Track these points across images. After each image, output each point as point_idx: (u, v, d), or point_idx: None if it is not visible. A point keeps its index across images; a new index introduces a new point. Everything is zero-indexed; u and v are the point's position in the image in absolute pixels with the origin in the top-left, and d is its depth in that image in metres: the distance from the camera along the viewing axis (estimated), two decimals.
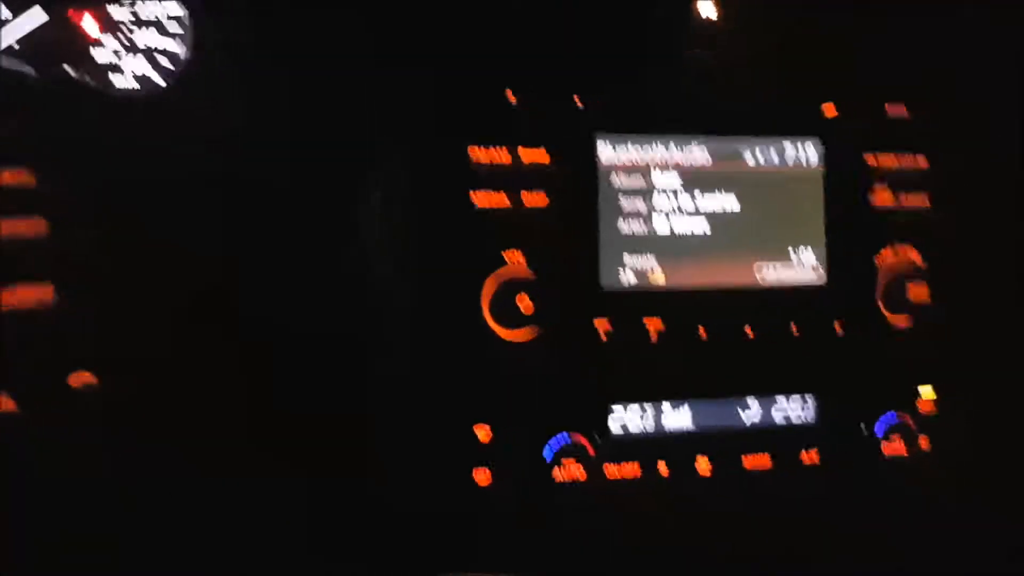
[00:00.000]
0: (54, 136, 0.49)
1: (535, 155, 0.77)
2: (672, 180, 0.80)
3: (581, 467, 0.78)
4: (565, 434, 0.78)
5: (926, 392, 0.86)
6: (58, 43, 0.74)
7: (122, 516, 0.55)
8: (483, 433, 0.77)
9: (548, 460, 0.77)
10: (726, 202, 0.81)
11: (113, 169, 0.53)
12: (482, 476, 0.77)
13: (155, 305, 0.57)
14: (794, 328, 0.81)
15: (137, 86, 0.75)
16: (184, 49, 0.74)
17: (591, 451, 0.78)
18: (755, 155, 0.81)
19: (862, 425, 0.85)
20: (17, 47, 0.75)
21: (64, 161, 0.48)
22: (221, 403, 0.62)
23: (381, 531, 0.77)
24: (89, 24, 0.74)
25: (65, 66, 0.68)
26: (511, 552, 0.78)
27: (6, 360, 0.45)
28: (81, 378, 0.49)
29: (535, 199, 0.77)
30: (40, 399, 0.46)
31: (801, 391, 0.83)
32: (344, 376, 0.74)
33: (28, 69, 0.53)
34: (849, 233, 0.83)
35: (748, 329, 0.80)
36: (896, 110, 0.85)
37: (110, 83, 0.70)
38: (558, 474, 0.77)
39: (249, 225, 0.67)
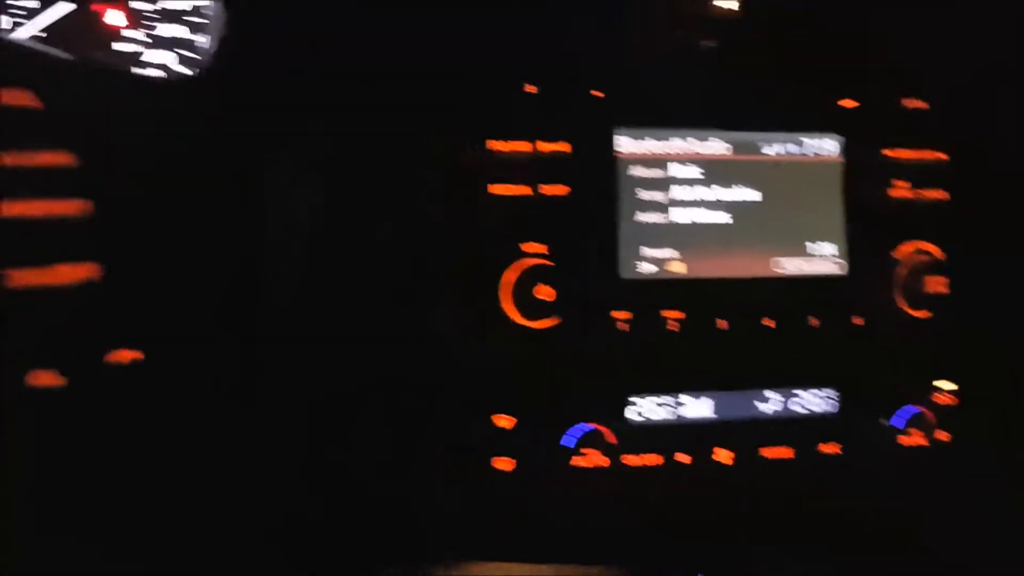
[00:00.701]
0: (95, 117, 0.50)
1: (555, 147, 0.78)
2: (691, 172, 0.80)
3: (601, 454, 0.78)
4: (586, 423, 0.78)
5: (945, 385, 0.86)
6: (85, 30, 0.77)
7: (163, 494, 0.56)
8: (504, 421, 0.78)
9: (570, 447, 0.78)
10: (745, 193, 0.81)
11: (155, 150, 0.55)
12: (503, 464, 0.77)
13: (197, 284, 0.59)
14: (813, 320, 0.81)
15: (168, 73, 0.78)
16: (211, 39, 0.76)
17: (613, 439, 0.78)
18: (774, 147, 0.82)
19: (881, 417, 0.85)
20: (51, 33, 0.78)
21: (106, 142, 0.50)
22: (256, 386, 0.63)
23: (402, 518, 0.78)
24: (115, 16, 0.77)
25: (97, 52, 0.70)
26: (531, 539, 0.79)
27: (50, 337, 0.46)
28: (124, 355, 0.50)
29: (555, 190, 0.78)
30: (83, 376, 0.47)
31: (820, 383, 0.83)
32: (367, 363, 0.75)
33: (64, 53, 0.54)
34: (868, 226, 0.83)
35: (767, 320, 0.80)
36: (915, 103, 0.85)
37: (142, 66, 0.72)
38: (579, 462, 0.78)
39: (285, 207, 0.69)
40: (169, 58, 0.80)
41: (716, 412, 0.81)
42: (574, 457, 0.78)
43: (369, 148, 0.76)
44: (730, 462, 0.81)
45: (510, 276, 0.76)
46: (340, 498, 0.75)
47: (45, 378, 0.45)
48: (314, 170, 0.74)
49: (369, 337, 0.75)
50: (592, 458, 0.78)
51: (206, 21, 0.79)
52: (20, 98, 0.45)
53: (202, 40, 0.78)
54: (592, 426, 0.78)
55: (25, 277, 0.44)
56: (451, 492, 0.78)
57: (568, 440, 0.78)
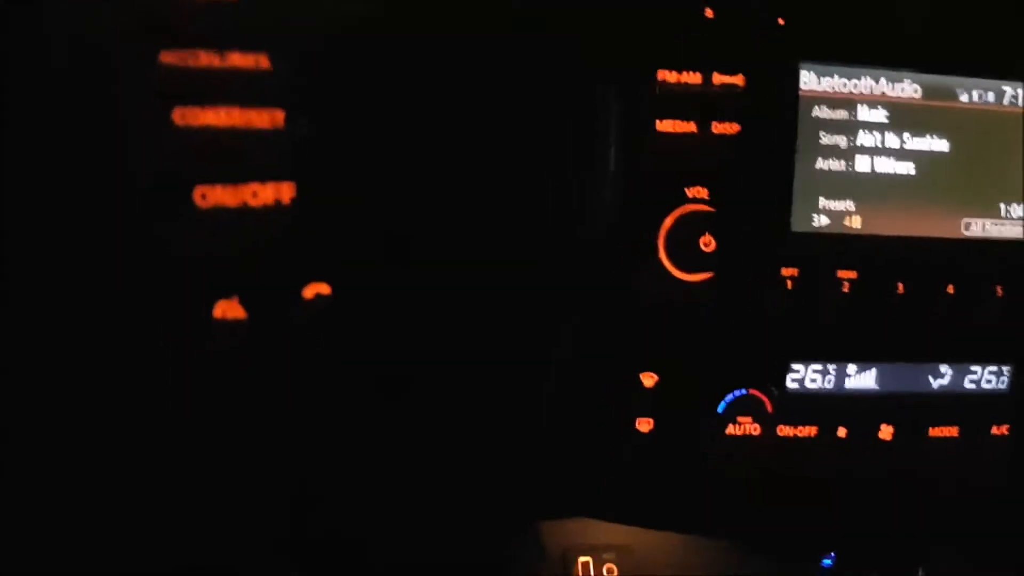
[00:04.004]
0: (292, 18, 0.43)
1: (730, 80, 0.70)
2: (878, 116, 0.72)
3: (754, 422, 0.72)
4: (742, 389, 0.72)
5: None
6: None
7: (342, 432, 0.51)
8: (649, 380, 0.72)
9: (720, 413, 0.72)
10: (933, 143, 0.72)
11: (354, 57, 0.47)
12: (645, 425, 0.72)
13: (400, 212, 0.52)
14: (999, 290, 0.73)
15: None
16: None
17: (769, 407, 0.72)
18: (970, 94, 0.73)
19: None
20: None
21: (306, 45, 0.43)
22: (428, 328, 0.58)
23: (539, 475, 0.73)
24: None
25: None
26: (670, 503, 0.74)
27: (238, 264, 0.41)
28: (315, 289, 0.44)
29: (726, 129, 0.70)
30: (271, 308, 0.42)
31: (999, 359, 0.76)
32: (514, 314, 0.69)
33: None
34: None
35: (950, 287, 0.72)
36: None
37: None
38: (732, 429, 0.72)
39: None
40: None
41: (880, 384, 0.74)
42: (729, 425, 0.71)
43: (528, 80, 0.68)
44: (890, 438, 0.74)
45: (668, 222, 0.69)
46: (476, 451, 0.70)
47: (228, 309, 0.40)
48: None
49: (516, 283, 0.68)
50: (745, 426, 0.72)
51: None
52: None
53: None
54: (748, 392, 0.71)
55: (216, 195, 0.38)
56: (588, 450, 0.73)
57: (721, 405, 0.71)
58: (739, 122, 0.70)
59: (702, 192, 0.70)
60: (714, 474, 0.74)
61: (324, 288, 0.44)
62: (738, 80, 0.70)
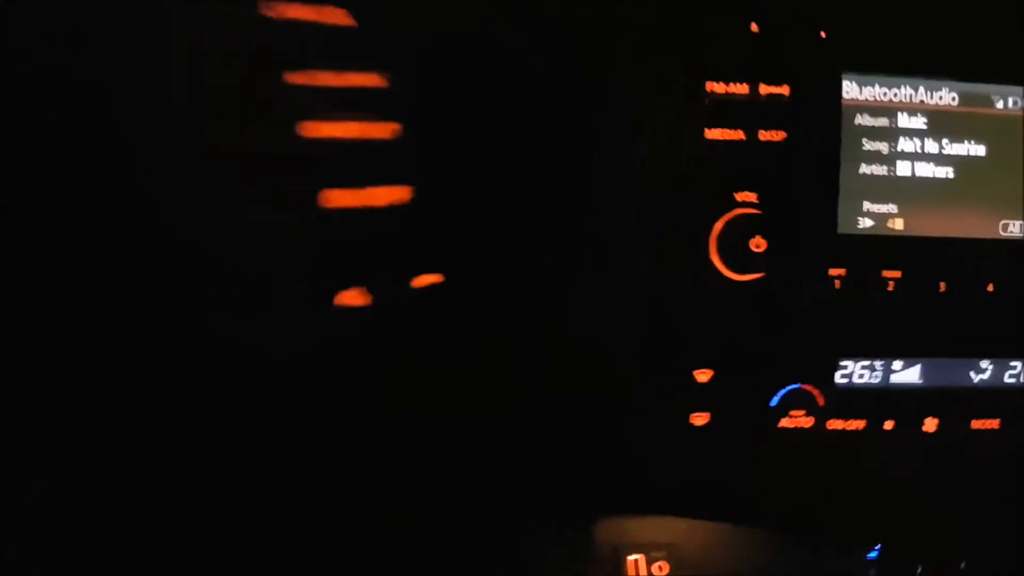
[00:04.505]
0: (408, 38, 0.47)
1: (776, 90, 0.74)
2: (918, 123, 0.75)
3: (807, 415, 0.75)
4: (795, 383, 0.75)
5: None
6: None
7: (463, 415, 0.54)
8: (703, 375, 0.75)
9: (773, 406, 0.75)
10: (970, 148, 0.76)
11: (465, 70, 0.52)
12: (700, 419, 0.75)
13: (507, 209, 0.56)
14: None
15: None
16: None
17: (820, 401, 0.75)
18: (1005, 100, 0.76)
19: None
20: None
21: (419, 63, 0.47)
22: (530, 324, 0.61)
23: (595, 467, 0.76)
24: None
25: None
26: (722, 495, 0.76)
27: (361, 256, 0.45)
28: (427, 279, 0.48)
29: (772, 136, 0.74)
30: (390, 295, 0.46)
31: None
32: (576, 309, 0.73)
33: None
34: None
35: (990, 286, 0.76)
36: None
37: None
38: (785, 422, 0.75)
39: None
40: None
41: (924, 379, 0.77)
42: (782, 418, 0.75)
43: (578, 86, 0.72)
44: (934, 430, 0.77)
45: (719, 225, 0.73)
46: (542, 448, 0.73)
47: (352, 297, 0.44)
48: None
49: (575, 281, 0.72)
50: (797, 419, 0.75)
51: None
52: (336, 16, 0.43)
53: None
54: (801, 386, 0.75)
55: (341, 198, 0.42)
56: (644, 442, 0.76)
57: (775, 399, 0.75)
58: (785, 130, 0.73)
59: (751, 196, 0.73)
60: (766, 466, 0.77)
61: (436, 278, 0.48)
62: (783, 90, 0.74)
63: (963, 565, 0.84)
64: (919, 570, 0.84)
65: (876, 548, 0.85)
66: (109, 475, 0.48)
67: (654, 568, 0.86)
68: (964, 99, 0.76)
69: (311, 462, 0.51)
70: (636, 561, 0.85)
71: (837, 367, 0.76)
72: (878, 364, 0.76)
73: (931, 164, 0.75)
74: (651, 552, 0.85)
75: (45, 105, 0.42)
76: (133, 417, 0.47)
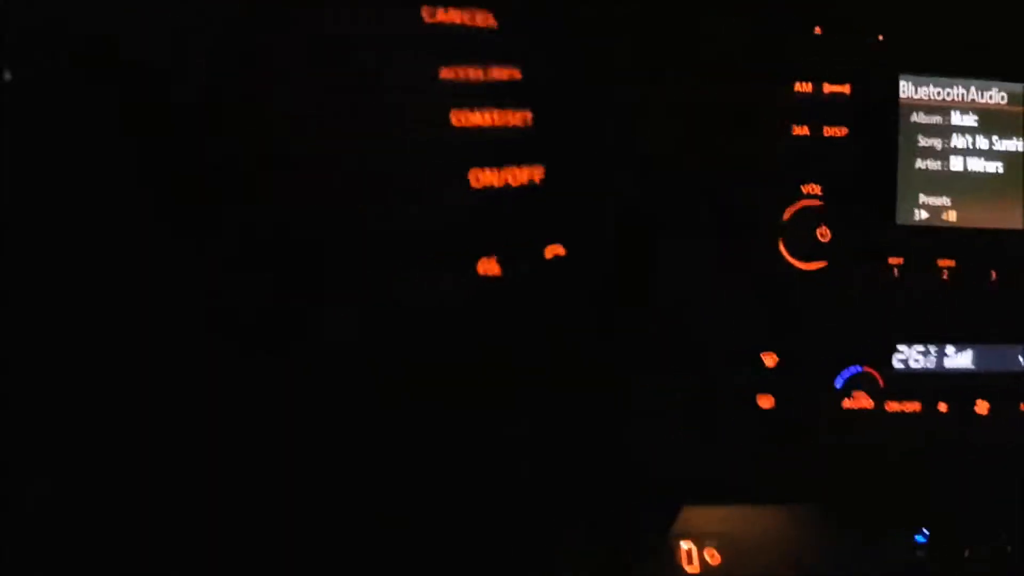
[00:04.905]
0: (538, 34, 0.53)
1: (838, 89, 0.78)
2: (970, 120, 0.80)
3: (868, 397, 0.79)
4: (857, 366, 0.79)
5: None
6: None
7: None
8: (770, 359, 0.79)
9: (838, 388, 0.79)
10: (1021, 144, 0.81)
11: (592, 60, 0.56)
12: (766, 401, 0.78)
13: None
14: None
15: None
16: None
17: (881, 383, 0.79)
18: None
19: None
20: None
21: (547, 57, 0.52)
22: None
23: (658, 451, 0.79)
24: None
25: None
26: (789, 476, 0.79)
27: (491, 228, 0.49)
28: (554, 250, 0.53)
29: (835, 132, 0.78)
30: (520, 266, 0.50)
31: None
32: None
33: None
34: None
35: None
36: None
37: None
38: (848, 404, 0.79)
39: None
40: None
41: (976, 364, 0.82)
42: (845, 399, 0.78)
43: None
44: (986, 412, 0.81)
45: (786, 216, 0.77)
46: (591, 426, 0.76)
47: (488, 266, 0.48)
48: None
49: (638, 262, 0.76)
50: (859, 401, 0.79)
51: None
52: (484, 19, 0.48)
53: None
54: (863, 368, 0.79)
55: (485, 177, 0.47)
56: (709, 425, 0.79)
57: (839, 381, 0.78)
58: (847, 126, 0.78)
59: (816, 189, 0.78)
60: (829, 447, 0.80)
61: (560, 249, 0.53)
62: (845, 89, 0.78)
63: (1010, 548, 0.87)
64: (966, 554, 0.86)
65: (924, 532, 0.88)
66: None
67: (705, 555, 0.86)
68: (1012, 98, 0.80)
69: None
70: (688, 550, 0.87)
71: (895, 351, 0.80)
72: (932, 349, 0.80)
73: (982, 159, 0.80)
74: (703, 540, 0.86)
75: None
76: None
